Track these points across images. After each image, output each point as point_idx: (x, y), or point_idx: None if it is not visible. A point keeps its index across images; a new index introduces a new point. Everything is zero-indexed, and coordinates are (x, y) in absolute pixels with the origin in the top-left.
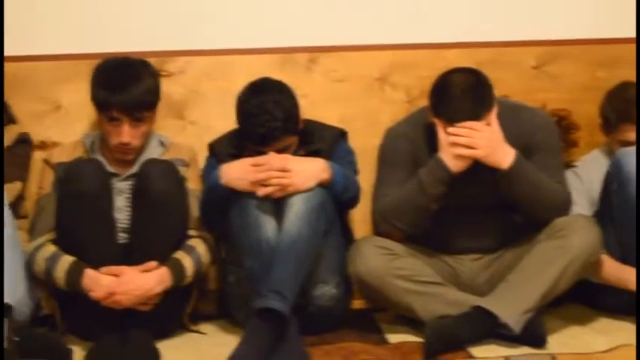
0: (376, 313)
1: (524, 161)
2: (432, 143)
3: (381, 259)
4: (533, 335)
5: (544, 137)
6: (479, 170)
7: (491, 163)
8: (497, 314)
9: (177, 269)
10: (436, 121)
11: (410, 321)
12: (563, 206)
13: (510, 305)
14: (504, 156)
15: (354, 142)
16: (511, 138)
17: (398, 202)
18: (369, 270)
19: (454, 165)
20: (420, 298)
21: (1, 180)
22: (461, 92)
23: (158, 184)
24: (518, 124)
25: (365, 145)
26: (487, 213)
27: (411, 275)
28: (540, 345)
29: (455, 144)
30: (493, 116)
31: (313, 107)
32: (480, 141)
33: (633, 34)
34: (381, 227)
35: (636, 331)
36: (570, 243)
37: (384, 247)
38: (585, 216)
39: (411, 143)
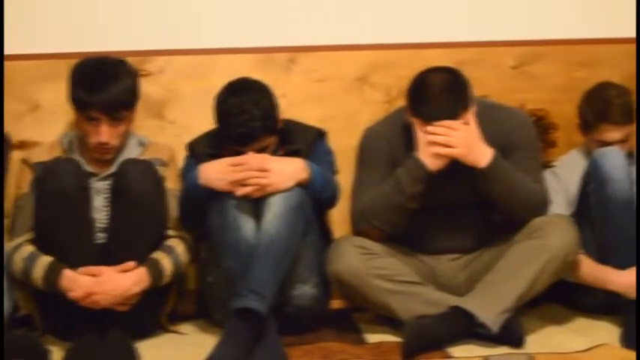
0: (355, 312)
1: (501, 160)
2: (410, 143)
3: (360, 259)
4: (511, 335)
5: (522, 137)
6: (457, 170)
7: (468, 162)
8: (476, 314)
9: (155, 269)
10: (414, 120)
11: (389, 321)
12: (540, 206)
13: (488, 305)
14: (482, 155)
15: (334, 142)
16: (489, 138)
17: (376, 202)
18: (348, 269)
19: (431, 164)
20: (399, 298)
21: (1, 180)
22: (438, 91)
23: (137, 184)
24: (496, 124)
25: (344, 145)
26: (465, 213)
27: (390, 275)
28: (518, 345)
29: (432, 143)
30: (471, 115)
31: (292, 107)
32: (458, 140)
33: (611, 34)
34: (359, 227)
35: (636, 331)
36: (548, 243)
37: (363, 246)
38: (563, 216)
39: (389, 143)
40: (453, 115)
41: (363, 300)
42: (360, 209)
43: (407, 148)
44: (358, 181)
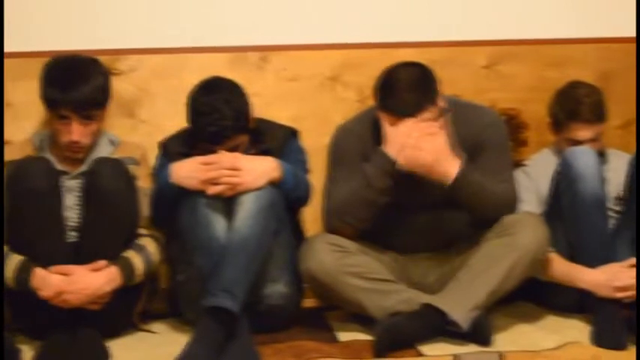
0: (327, 311)
1: (469, 171)
2: (381, 140)
3: (332, 256)
4: (480, 333)
5: (492, 136)
6: None
7: (436, 174)
8: (447, 312)
9: (127, 268)
10: (382, 115)
11: (361, 319)
12: (509, 206)
13: (459, 303)
14: (450, 166)
15: (306, 141)
16: (460, 137)
17: (347, 198)
18: (321, 267)
19: (399, 156)
20: (372, 296)
21: (1, 180)
22: (405, 85)
23: (108, 183)
24: (467, 123)
25: (316, 144)
26: (436, 211)
27: (362, 272)
28: (486, 343)
29: (404, 145)
30: (444, 123)
31: (265, 106)
32: (428, 145)
33: (582, 34)
34: (332, 224)
35: (636, 331)
36: (518, 241)
37: (335, 244)
38: (533, 214)
39: (361, 140)
40: (421, 108)
41: (335, 298)
42: (332, 207)
43: (379, 146)
44: (330, 179)
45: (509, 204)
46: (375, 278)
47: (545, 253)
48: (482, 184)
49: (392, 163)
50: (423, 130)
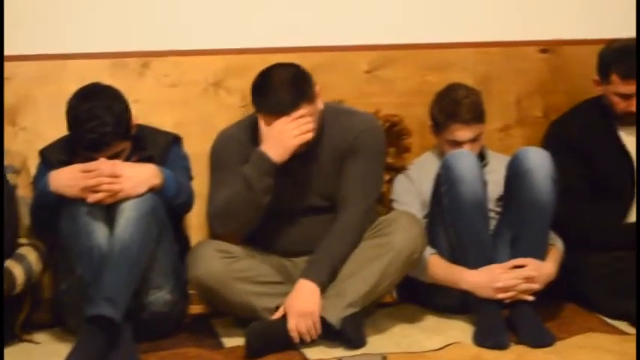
0: (214, 318)
1: (322, 276)
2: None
3: (220, 262)
4: (353, 335)
5: (365, 142)
6: (304, 173)
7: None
8: (322, 315)
9: (7, 279)
10: (259, 116)
11: (247, 325)
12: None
13: (333, 303)
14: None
15: (190, 147)
16: (333, 142)
17: (229, 202)
18: (209, 274)
19: (276, 155)
20: (262, 299)
21: (1, 180)
22: (278, 84)
23: None
24: (341, 129)
25: (200, 150)
26: (318, 215)
27: (251, 276)
28: (360, 344)
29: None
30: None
31: (147, 112)
32: None
33: (462, 39)
34: (217, 230)
35: (636, 332)
36: (392, 240)
37: (222, 250)
38: (408, 213)
39: (242, 145)
40: (294, 107)
41: (225, 304)
42: (215, 212)
43: None
44: (212, 185)
45: (367, 223)
46: (264, 281)
47: (421, 252)
48: (336, 259)
49: (270, 162)
50: (299, 127)
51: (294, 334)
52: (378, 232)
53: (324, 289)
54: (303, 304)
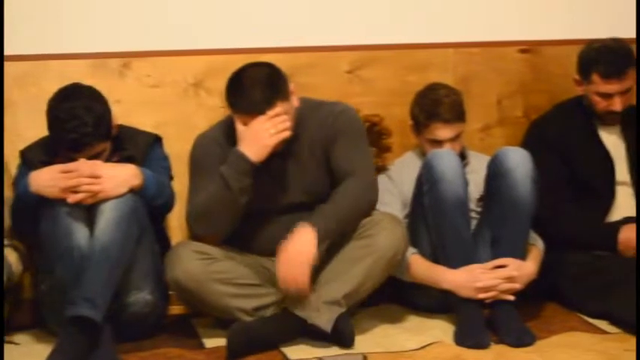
0: (194, 318)
1: (321, 223)
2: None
3: (198, 264)
4: (342, 335)
5: (344, 123)
6: (284, 170)
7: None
8: (305, 317)
9: None
10: (235, 116)
11: (228, 325)
12: (371, 202)
13: (321, 307)
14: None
15: (170, 147)
16: (312, 135)
17: (207, 204)
18: (187, 275)
19: (254, 155)
20: (240, 301)
21: (1, 180)
22: (251, 83)
23: None
24: (318, 119)
25: (181, 151)
26: (299, 215)
27: (229, 278)
28: (349, 345)
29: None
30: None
31: (127, 113)
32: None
33: (444, 39)
34: (196, 231)
35: (636, 332)
36: (375, 242)
37: (201, 251)
38: (391, 215)
39: (220, 147)
40: (269, 105)
41: (203, 305)
42: (194, 213)
43: None
44: (192, 187)
45: (369, 204)
46: (242, 283)
47: (403, 253)
48: (338, 217)
49: (248, 161)
50: (276, 125)
51: (282, 284)
52: (362, 234)
53: (320, 235)
54: (295, 244)
